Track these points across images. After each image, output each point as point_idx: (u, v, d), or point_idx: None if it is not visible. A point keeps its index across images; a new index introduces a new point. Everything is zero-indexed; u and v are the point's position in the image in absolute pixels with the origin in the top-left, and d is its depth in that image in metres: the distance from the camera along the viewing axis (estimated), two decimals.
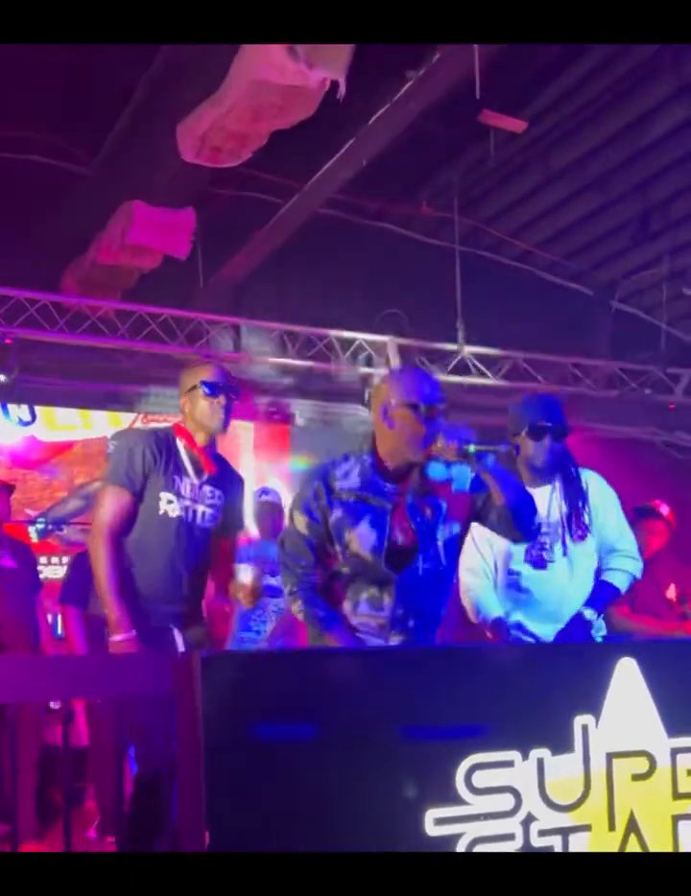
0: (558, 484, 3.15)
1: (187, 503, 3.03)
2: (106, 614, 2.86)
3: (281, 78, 3.94)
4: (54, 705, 4.16)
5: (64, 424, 6.87)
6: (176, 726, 1.86)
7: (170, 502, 3.00)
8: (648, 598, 4.53)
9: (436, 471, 2.66)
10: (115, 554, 2.91)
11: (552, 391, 6.91)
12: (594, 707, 2.19)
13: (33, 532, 6.40)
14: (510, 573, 3.14)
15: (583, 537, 3.12)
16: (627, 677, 2.24)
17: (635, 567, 3.20)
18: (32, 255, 6.06)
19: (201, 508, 3.06)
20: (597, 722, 2.19)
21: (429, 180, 6.86)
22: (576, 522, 3.11)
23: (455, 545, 2.72)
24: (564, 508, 3.12)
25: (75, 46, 4.66)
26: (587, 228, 7.34)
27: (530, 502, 2.67)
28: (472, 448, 2.50)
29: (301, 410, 7.06)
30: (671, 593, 4.81)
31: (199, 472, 3.07)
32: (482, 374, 7.04)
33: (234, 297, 6.50)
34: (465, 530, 2.76)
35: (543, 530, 3.05)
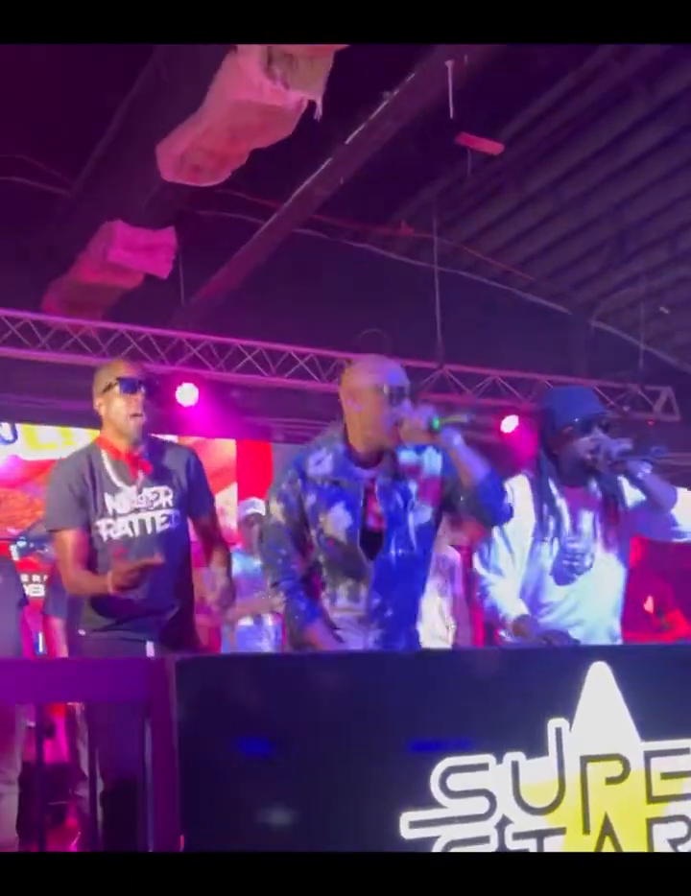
0: (593, 485, 2.93)
1: (129, 518, 2.85)
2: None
3: (259, 98, 3.99)
4: (29, 723, 4.14)
5: (46, 443, 6.85)
6: (150, 734, 1.86)
7: (109, 526, 2.84)
8: (626, 610, 4.56)
9: (406, 456, 2.71)
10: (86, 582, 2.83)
11: (531, 410, 7.00)
12: (568, 711, 2.21)
13: (14, 551, 6.38)
14: (540, 606, 2.91)
15: (615, 541, 2.93)
16: (600, 681, 2.26)
17: None
18: (14, 274, 6.08)
19: (148, 516, 2.86)
20: (571, 726, 2.21)
21: (408, 202, 6.95)
22: (612, 517, 2.92)
23: (427, 531, 2.73)
24: (600, 506, 2.92)
25: (54, 67, 4.74)
26: (565, 249, 7.44)
27: (498, 482, 2.67)
28: (437, 422, 2.56)
29: (281, 428, 7.10)
30: (649, 605, 4.84)
31: (129, 481, 2.86)
32: (460, 391, 7.09)
33: (215, 316, 6.53)
34: (439, 516, 2.77)
35: (572, 538, 2.90)
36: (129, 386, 2.82)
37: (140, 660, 1.90)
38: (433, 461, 2.72)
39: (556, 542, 2.89)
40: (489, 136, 5.94)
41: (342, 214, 6.97)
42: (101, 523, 2.84)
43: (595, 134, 6.21)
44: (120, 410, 2.82)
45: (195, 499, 2.98)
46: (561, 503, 2.90)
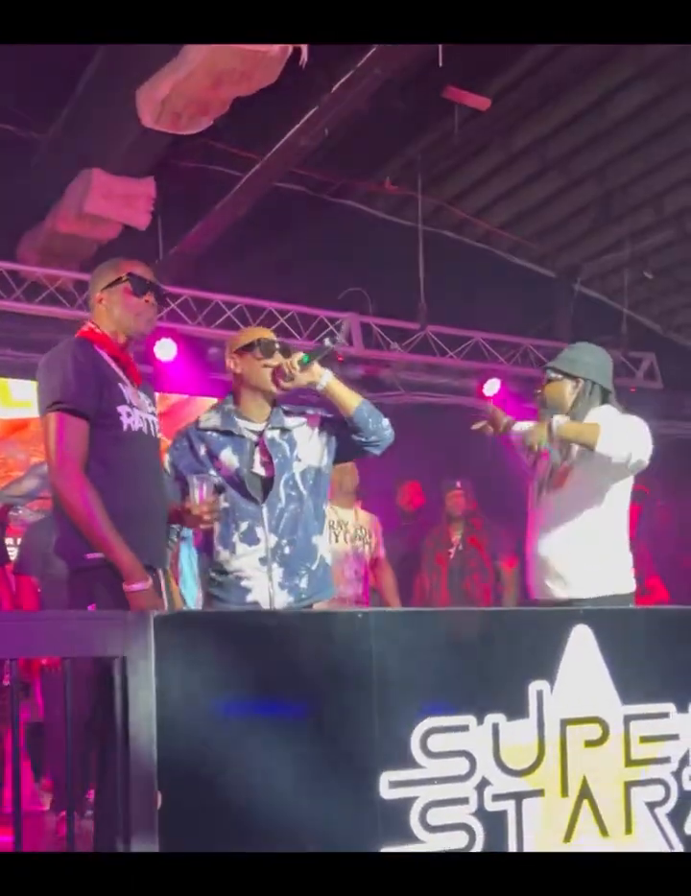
0: None
1: (140, 413, 2.61)
2: (109, 560, 2.39)
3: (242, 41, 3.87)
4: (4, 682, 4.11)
5: (19, 400, 6.56)
6: (127, 692, 1.82)
7: (129, 414, 2.56)
8: None
9: (291, 420, 3.01)
10: (94, 490, 2.42)
11: (514, 373, 6.97)
12: (549, 674, 2.20)
13: None
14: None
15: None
16: (581, 645, 2.25)
17: None
18: None
19: (150, 418, 2.67)
20: (552, 689, 2.20)
21: (392, 157, 6.81)
22: None
23: (315, 477, 3.00)
24: None
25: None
26: (549, 210, 7.35)
27: (370, 406, 2.97)
28: (306, 357, 2.89)
29: None
30: None
31: (130, 379, 2.65)
32: (443, 353, 7.04)
33: (194, 270, 6.41)
34: (326, 462, 3.04)
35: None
36: (141, 286, 2.64)
37: (118, 615, 1.84)
38: (314, 418, 3.06)
39: None
40: (477, 91, 5.81)
41: (325, 168, 6.85)
42: (122, 409, 2.56)
43: (583, 92, 6.10)
44: (129, 307, 2.63)
45: None
46: None
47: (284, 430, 3.00)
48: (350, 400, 2.95)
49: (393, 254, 7.06)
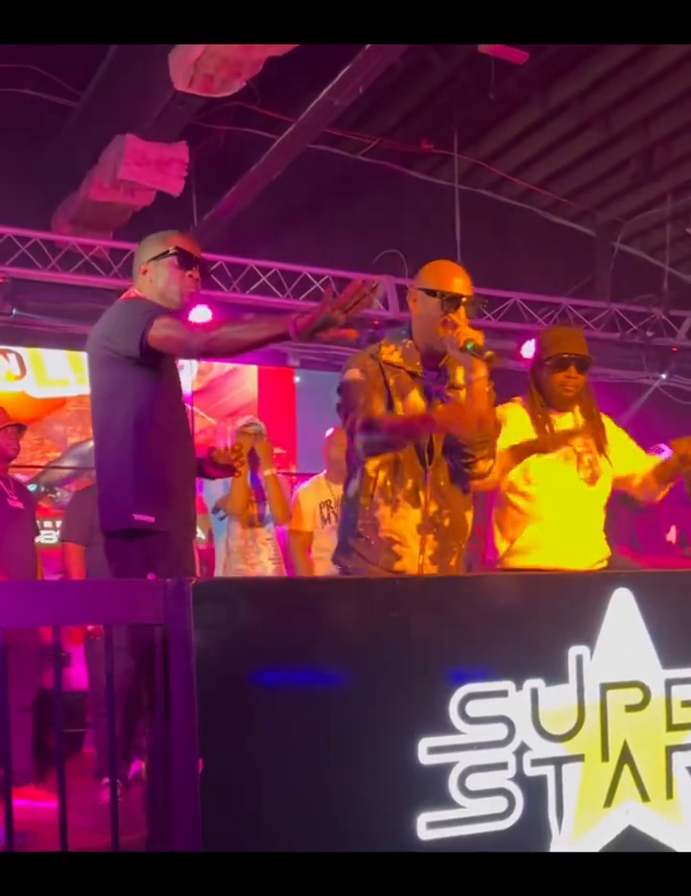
0: (580, 420, 3.13)
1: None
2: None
3: None
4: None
5: (56, 379, 6.50)
6: (169, 659, 1.84)
7: (180, 381, 2.71)
8: (649, 539, 4.54)
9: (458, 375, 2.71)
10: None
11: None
12: (589, 638, 2.18)
13: None
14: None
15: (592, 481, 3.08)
16: (622, 608, 2.23)
17: None
18: (22, 192, 5.95)
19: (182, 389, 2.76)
20: (592, 653, 2.18)
21: (428, 116, 6.70)
22: (591, 461, 3.07)
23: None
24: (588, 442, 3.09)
25: None
26: (589, 166, 7.20)
27: (490, 437, 2.66)
28: (470, 346, 2.54)
29: (298, 352, 6.99)
30: (671, 535, 4.81)
31: None
32: (481, 314, 6.95)
33: (229, 236, 6.38)
34: None
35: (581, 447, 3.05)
36: (187, 260, 2.68)
37: (158, 583, 1.85)
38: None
39: None
40: (513, 44, 5.67)
41: (359, 129, 6.75)
42: (180, 374, 2.71)
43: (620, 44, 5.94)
44: (173, 280, 2.66)
45: None
46: None
47: (453, 388, 2.72)
48: (472, 418, 2.58)
49: (428, 215, 6.98)
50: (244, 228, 6.43)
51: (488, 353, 2.54)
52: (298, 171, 5.92)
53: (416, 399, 2.68)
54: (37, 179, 6.02)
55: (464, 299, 2.65)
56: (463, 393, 2.67)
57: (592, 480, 3.05)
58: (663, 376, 7.55)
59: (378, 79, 4.91)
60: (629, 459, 3.17)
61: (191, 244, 2.73)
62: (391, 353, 2.72)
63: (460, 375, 2.71)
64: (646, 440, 4.98)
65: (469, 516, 2.78)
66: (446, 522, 2.69)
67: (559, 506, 3.02)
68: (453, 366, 2.74)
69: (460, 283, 2.67)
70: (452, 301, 2.64)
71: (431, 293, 2.66)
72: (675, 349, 7.41)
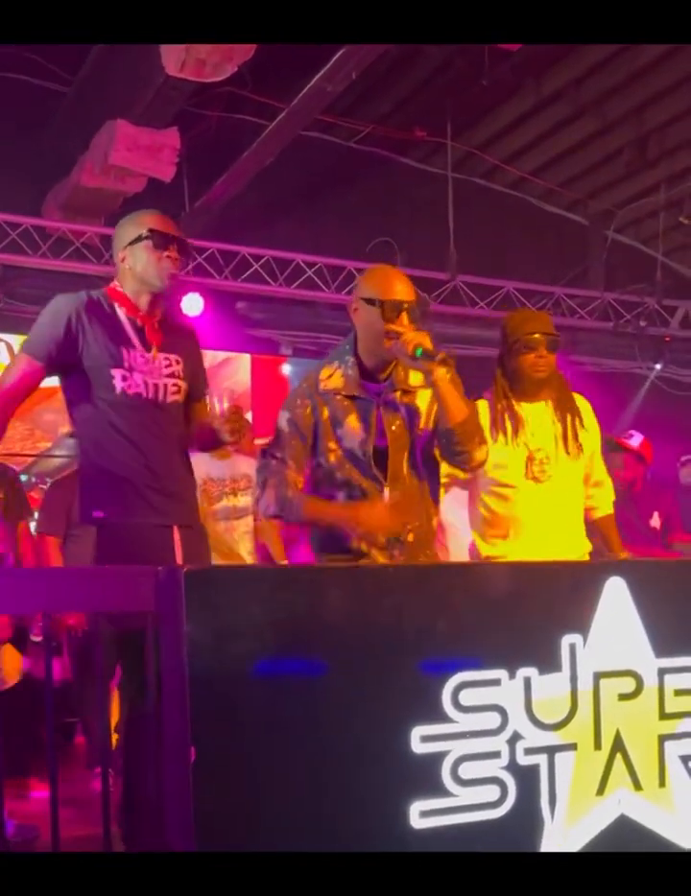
0: (550, 402, 3.10)
1: (144, 378, 2.63)
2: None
3: None
4: (35, 638, 4.13)
5: None
6: (159, 647, 1.83)
7: (125, 378, 2.60)
8: (633, 528, 4.53)
9: (415, 378, 2.66)
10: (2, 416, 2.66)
11: None
12: (582, 627, 2.18)
13: None
14: (498, 485, 3.02)
15: (577, 455, 3.07)
16: (615, 597, 2.22)
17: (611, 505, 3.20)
18: (12, 177, 5.89)
19: (161, 383, 2.65)
20: (585, 642, 2.18)
21: (421, 103, 6.66)
22: (573, 438, 3.05)
23: (430, 448, 2.67)
24: (559, 425, 3.06)
25: None
26: (582, 155, 7.17)
27: (474, 426, 2.59)
28: (420, 351, 2.46)
29: (290, 341, 6.96)
30: (655, 522, 4.81)
31: (146, 344, 2.66)
32: (473, 303, 6.95)
33: (220, 223, 6.34)
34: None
35: (537, 445, 3.02)
36: (162, 240, 2.61)
37: (149, 570, 1.83)
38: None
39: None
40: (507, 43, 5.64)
41: (351, 116, 6.71)
42: (116, 372, 2.60)
43: None
44: (150, 263, 2.62)
45: (195, 380, 2.80)
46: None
47: (406, 393, 2.65)
48: (455, 411, 2.52)
49: (421, 203, 6.95)
50: (236, 215, 6.40)
51: (440, 355, 2.45)
52: (291, 158, 5.89)
53: (352, 424, 2.62)
54: (28, 165, 5.97)
55: (405, 305, 2.56)
56: (420, 394, 2.65)
57: (541, 478, 3.00)
58: (658, 367, 7.55)
59: (371, 65, 4.87)
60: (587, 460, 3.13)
61: (164, 222, 2.67)
62: (329, 378, 2.66)
63: (413, 377, 2.65)
64: (640, 431, 5.00)
65: (436, 519, 2.74)
66: (410, 537, 2.63)
67: (526, 508, 3.00)
68: (402, 371, 2.66)
69: (401, 289, 2.58)
70: (394, 309, 2.55)
71: (371, 302, 2.58)
72: (668, 339, 7.41)
